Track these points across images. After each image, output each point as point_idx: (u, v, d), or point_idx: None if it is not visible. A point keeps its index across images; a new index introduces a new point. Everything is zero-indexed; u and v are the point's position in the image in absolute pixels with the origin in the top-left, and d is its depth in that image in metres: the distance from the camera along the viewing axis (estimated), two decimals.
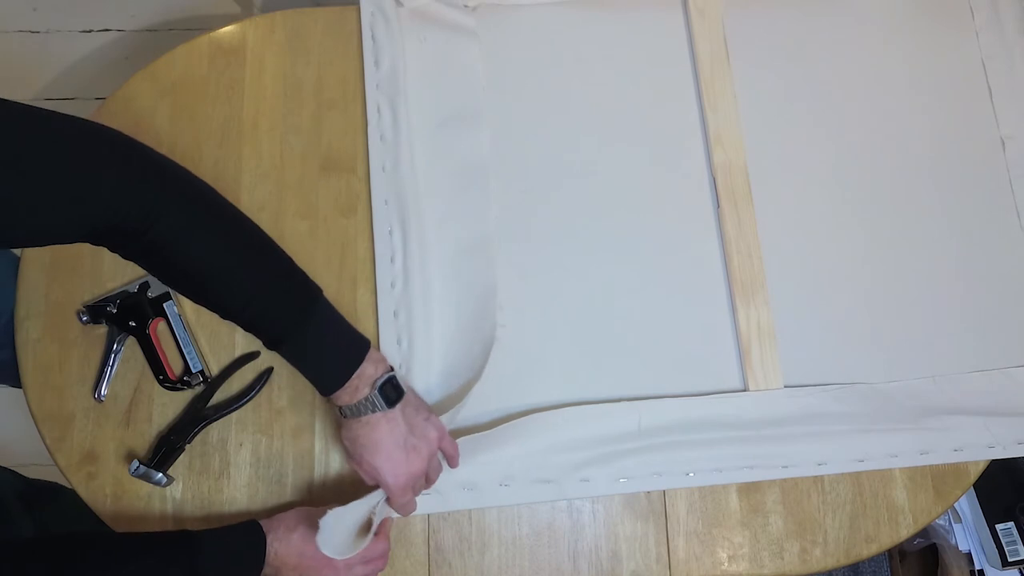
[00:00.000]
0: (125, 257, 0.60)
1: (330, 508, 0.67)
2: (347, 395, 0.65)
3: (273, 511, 0.75)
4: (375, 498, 0.69)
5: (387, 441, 0.66)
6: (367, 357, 0.66)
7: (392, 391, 0.66)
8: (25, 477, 0.98)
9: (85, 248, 0.80)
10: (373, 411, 0.65)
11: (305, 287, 0.66)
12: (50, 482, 1.06)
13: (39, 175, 0.51)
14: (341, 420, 0.67)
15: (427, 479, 0.70)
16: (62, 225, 0.54)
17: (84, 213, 0.54)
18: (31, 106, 0.53)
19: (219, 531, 0.66)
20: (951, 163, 0.88)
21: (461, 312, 0.80)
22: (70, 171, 0.53)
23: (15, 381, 0.80)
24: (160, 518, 0.75)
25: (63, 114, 0.55)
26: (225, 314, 0.64)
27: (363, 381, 0.65)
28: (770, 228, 0.84)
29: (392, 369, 0.68)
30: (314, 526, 0.65)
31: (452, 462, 0.73)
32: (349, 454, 0.68)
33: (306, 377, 0.66)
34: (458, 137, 0.85)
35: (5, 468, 0.93)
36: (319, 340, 0.65)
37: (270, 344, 0.65)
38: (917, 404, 0.80)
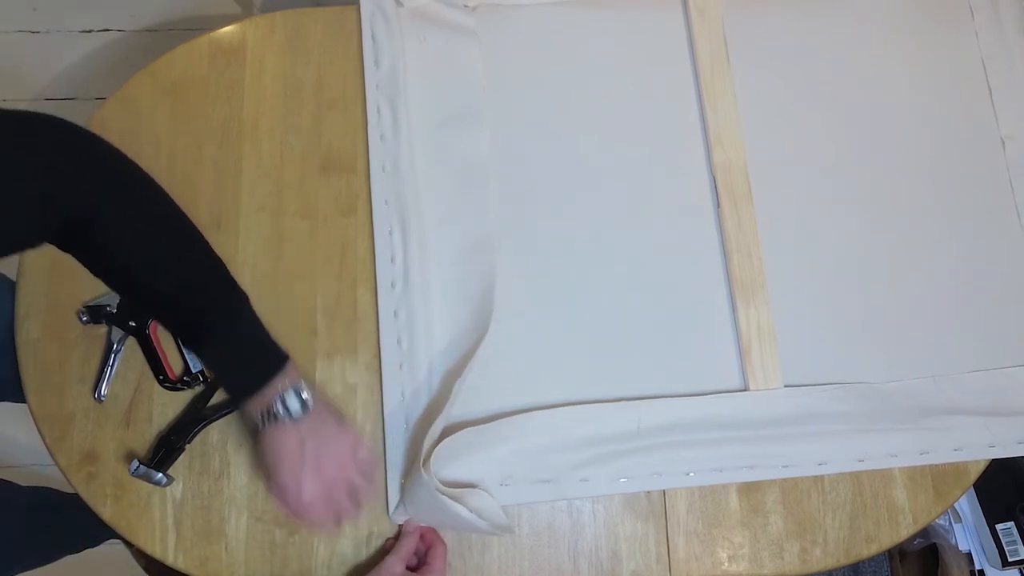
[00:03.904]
0: (64, 250, 0.60)
1: (386, 558, 0.69)
2: (255, 405, 0.63)
3: (273, 513, 0.75)
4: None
5: (288, 452, 0.64)
6: (283, 370, 0.64)
7: (295, 400, 0.64)
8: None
9: None
10: (274, 421, 0.63)
11: (232, 292, 0.64)
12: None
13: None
14: (254, 439, 0.66)
15: (352, 497, 0.68)
16: (20, 225, 0.54)
17: (37, 206, 0.53)
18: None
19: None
20: (951, 163, 0.88)
21: (461, 312, 0.80)
22: (16, 163, 0.52)
23: (17, 396, 0.79)
24: (160, 518, 0.75)
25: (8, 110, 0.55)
26: (149, 308, 0.63)
27: (272, 392, 0.63)
28: (770, 228, 0.84)
29: (303, 384, 0.65)
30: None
31: (366, 478, 0.69)
32: (263, 477, 0.67)
33: (221, 384, 0.65)
34: (458, 137, 0.85)
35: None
36: (238, 346, 0.63)
37: (188, 342, 0.64)
38: (917, 404, 0.80)
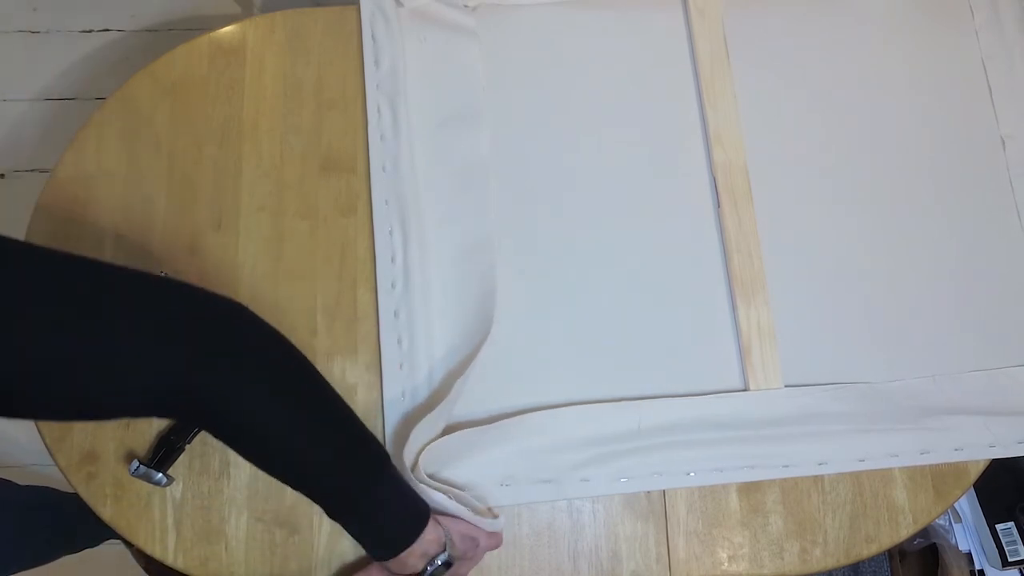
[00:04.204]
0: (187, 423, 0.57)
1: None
2: (396, 565, 0.64)
3: (273, 513, 0.75)
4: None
5: None
6: (422, 534, 0.64)
7: (440, 568, 0.65)
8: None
9: (85, 249, 0.81)
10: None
11: (371, 462, 0.62)
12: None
13: (111, 338, 0.47)
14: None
15: None
16: (121, 397, 0.50)
17: (148, 385, 0.49)
18: (125, 268, 0.51)
19: None
20: (951, 162, 0.88)
21: (462, 312, 0.80)
22: (140, 338, 0.48)
23: None
24: (160, 518, 0.75)
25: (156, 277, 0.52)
26: (292, 487, 0.61)
27: (415, 555, 0.64)
28: (770, 227, 0.84)
29: (446, 540, 0.66)
30: None
31: None
32: None
33: (358, 541, 0.65)
34: (458, 137, 0.85)
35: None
36: (379, 519, 0.63)
37: (329, 515, 0.62)
38: (917, 404, 0.80)
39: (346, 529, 0.63)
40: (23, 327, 0.44)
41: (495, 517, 0.73)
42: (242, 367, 0.53)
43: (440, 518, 0.67)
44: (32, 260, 0.47)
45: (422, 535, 0.64)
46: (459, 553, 0.67)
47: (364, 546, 0.65)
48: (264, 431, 0.55)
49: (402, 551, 0.63)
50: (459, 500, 0.70)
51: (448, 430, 0.75)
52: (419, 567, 0.64)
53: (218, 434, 0.55)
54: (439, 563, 0.65)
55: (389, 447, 0.76)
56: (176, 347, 0.49)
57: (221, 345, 0.52)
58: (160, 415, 0.53)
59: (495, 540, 0.73)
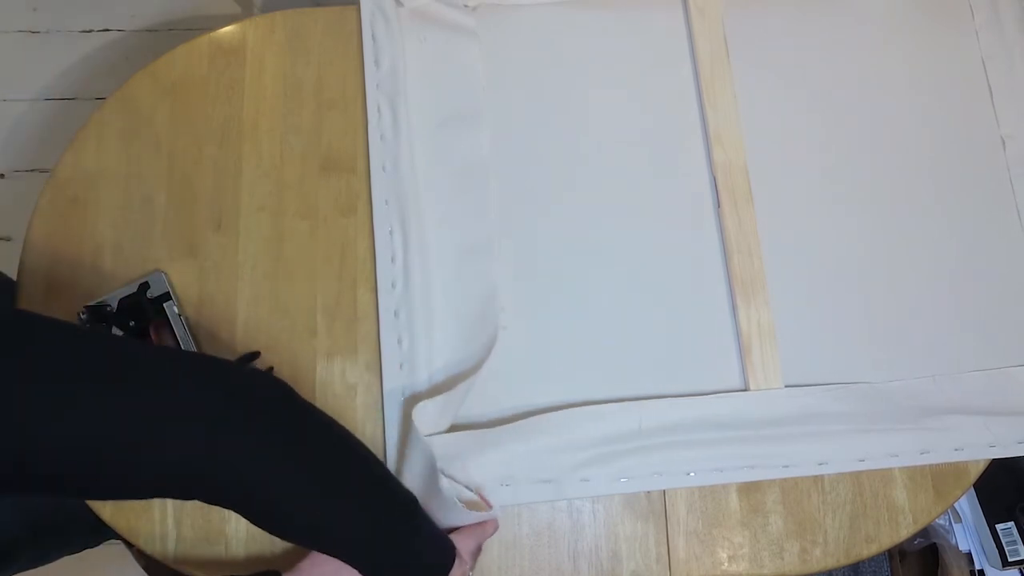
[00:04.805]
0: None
1: None
2: None
3: None
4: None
5: None
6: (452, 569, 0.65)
7: None
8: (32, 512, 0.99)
9: (85, 249, 0.81)
10: None
11: (403, 521, 0.61)
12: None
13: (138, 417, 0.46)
14: None
15: None
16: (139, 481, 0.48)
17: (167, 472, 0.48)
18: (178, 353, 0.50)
19: None
20: (951, 162, 0.88)
21: (462, 312, 0.80)
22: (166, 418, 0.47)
23: None
24: (160, 518, 0.75)
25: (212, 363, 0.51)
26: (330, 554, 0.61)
27: None
28: (770, 227, 0.84)
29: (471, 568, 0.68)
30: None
31: None
32: None
33: None
34: (458, 137, 0.85)
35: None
36: (413, 567, 0.63)
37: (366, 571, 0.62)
38: (917, 404, 0.80)
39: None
40: (33, 410, 0.43)
41: (490, 507, 0.73)
42: (264, 455, 0.51)
43: (456, 541, 0.68)
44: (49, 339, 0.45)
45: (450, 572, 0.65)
46: (474, 569, 0.68)
47: None
48: (296, 519, 0.55)
49: None
50: (457, 495, 0.71)
51: (449, 431, 0.75)
52: None
53: (250, 519, 0.54)
54: None
55: (389, 447, 0.76)
56: (196, 431, 0.48)
57: (250, 429, 0.50)
58: (185, 497, 0.51)
59: (495, 528, 0.74)
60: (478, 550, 0.71)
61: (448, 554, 0.66)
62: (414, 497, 0.63)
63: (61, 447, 0.43)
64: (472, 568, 0.68)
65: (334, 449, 0.58)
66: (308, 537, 0.58)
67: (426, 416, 0.73)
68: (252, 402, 0.52)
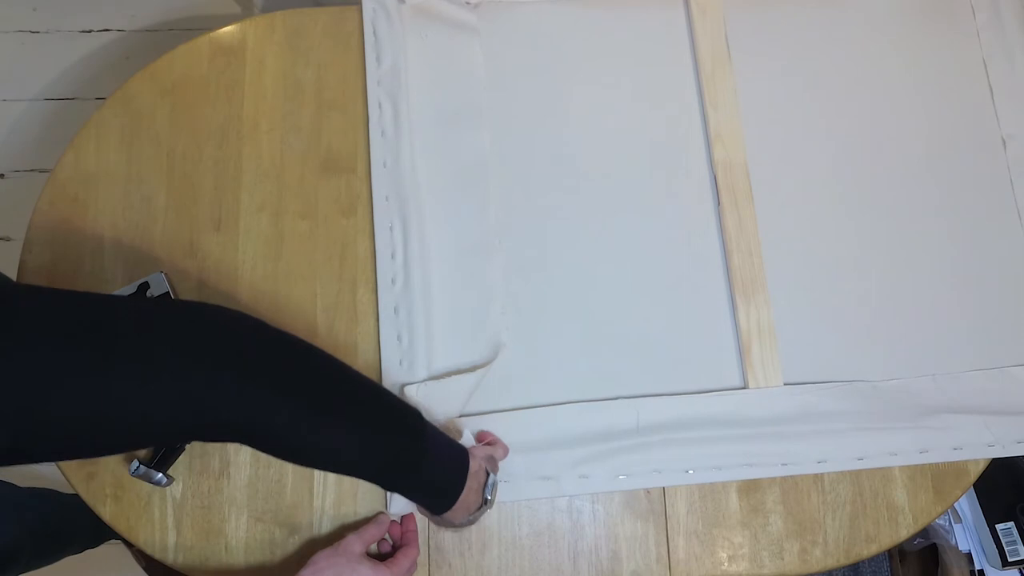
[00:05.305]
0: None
1: (349, 535, 0.68)
2: (461, 509, 0.66)
3: (273, 513, 0.75)
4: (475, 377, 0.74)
5: None
6: (469, 467, 0.66)
7: (492, 490, 0.69)
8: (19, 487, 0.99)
9: (85, 249, 0.81)
10: (481, 510, 0.68)
11: (409, 432, 0.62)
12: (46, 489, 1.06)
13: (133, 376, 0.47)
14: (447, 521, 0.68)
15: None
16: (148, 430, 0.49)
17: (175, 420, 0.49)
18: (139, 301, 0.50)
19: None
20: (952, 162, 0.88)
21: (461, 309, 0.80)
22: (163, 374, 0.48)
23: None
24: (160, 518, 0.75)
25: (165, 306, 0.51)
26: (342, 474, 0.63)
27: (472, 491, 0.66)
28: (770, 226, 0.84)
29: (487, 471, 0.69)
30: (342, 555, 0.66)
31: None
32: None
33: (418, 503, 0.67)
34: (459, 134, 0.85)
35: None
36: (433, 470, 0.64)
37: (388, 488, 0.65)
38: (917, 402, 0.80)
39: (405, 496, 0.66)
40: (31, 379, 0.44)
41: (492, 438, 0.76)
42: (261, 387, 0.52)
43: (468, 448, 0.69)
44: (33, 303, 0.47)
45: (469, 472, 0.66)
46: (496, 471, 0.70)
47: (425, 506, 0.67)
48: (300, 444, 0.55)
49: (461, 493, 0.65)
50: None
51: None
52: (478, 501, 0.67)
53: (257, 448, 0.56)
54: (490, 484, 0.68)
55: None
56: (188, 378, 0.49)
57: (230, 364, 0.51)
58: (189, 441, 0.52)
59: (505, 449, 0.75)
60: (493, 462, 0.72)
61: (462, 455, 0.66)
62: (415, 408, 0.64)
63: (71, 415, 0.45)
64: (495, 469, 0.70)
65: (327, 373, 0.59)
66: (319, 465, 0.60)
67: (416, 396, 0.74)
68: (248, 345, 0.53)
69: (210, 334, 0.51)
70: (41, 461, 0.47)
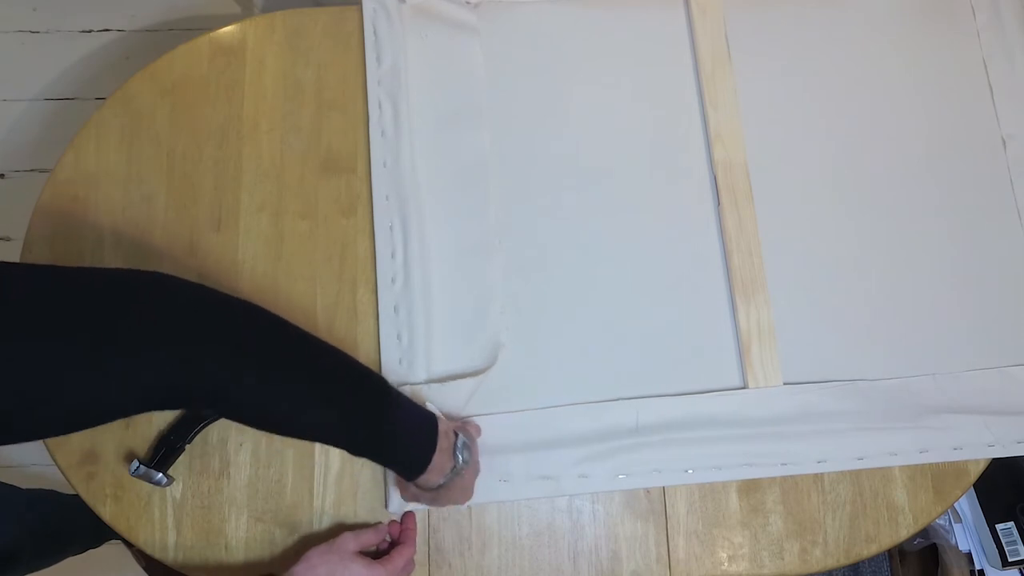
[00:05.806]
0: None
1: (344, 533, 0.68)
2: (434, 473, 0.66)
3: (273, 513, 0.75)
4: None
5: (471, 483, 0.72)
6: (438, 434, 0.66)
7: (464, 453, 0.68)
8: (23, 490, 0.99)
9: (85, 248, 0.81)
10: (453, 474, 0.67)
11: (373, 397, 0.63)
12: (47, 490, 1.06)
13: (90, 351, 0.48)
14: (423, 487, 0.68)
15: None
16: (107, 405, 0.50)
17: (135, 395, 0.50)
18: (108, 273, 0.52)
19: None
20: (952, 162, 0.88)
21: (461, 309, 0.80)
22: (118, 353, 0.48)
23: None
24: (160, 518, 0.75)
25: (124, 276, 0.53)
26: (310, 440, 0.65)
27: (443, 453, 0.66)
28: (770, 226, 0.84)
29: (457, 434, 0.69)
30: (336, 552, 0.66)
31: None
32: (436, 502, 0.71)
33: (389, 468, 0.68)
34: (459, 135, 0.85)
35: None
36: (400, 436, 0.64)
37: (356, 454, 0.64)
38: (917, 402, 0.80)
39: (374, 461, 0.67)
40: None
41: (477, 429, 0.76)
42: (226, 358, 0.54)
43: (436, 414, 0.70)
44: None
45: (439, 435, 0.66)
46: (469, 438, 0.70)
47: (397, 471, 0.68)
48: (266, 411, 0.57)
49: (432, 458, 0.65)
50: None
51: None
52: (449, 464, 0.66)
53: (228, 416, 0.58)
54: (460, 446, 0.67)
55: None
56: (155, 351, 0.50)
57: (192, 338, 0.52)
58: (160, 409, 0.54)
59: (477, 428, 0.76)
60: (466, 429, 0.72)
61: (430, 420, 0.67)
62: (380, 376, 0.65)
63: (36, 396, 0.46)
64: (466, 434, 0.70)
65: (288, 340, 0.61)
66: (284, 431, 0.62)
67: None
68: (202, 311, 0.54)
69: (166, 306, 0.53)
70: (19, 441, 0.48)
